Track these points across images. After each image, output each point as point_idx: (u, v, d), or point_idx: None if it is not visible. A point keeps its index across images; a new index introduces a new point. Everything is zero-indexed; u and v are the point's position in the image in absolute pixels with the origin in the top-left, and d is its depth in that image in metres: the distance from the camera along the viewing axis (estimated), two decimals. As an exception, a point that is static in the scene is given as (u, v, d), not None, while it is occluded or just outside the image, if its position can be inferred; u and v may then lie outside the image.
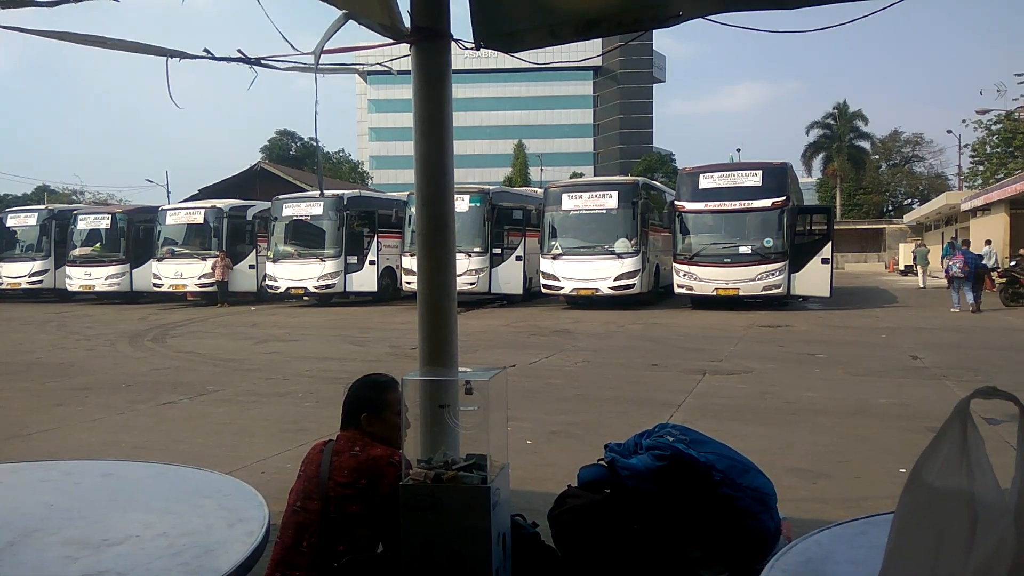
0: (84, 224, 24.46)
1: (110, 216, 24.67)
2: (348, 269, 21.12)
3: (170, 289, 22.81)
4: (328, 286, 21.13)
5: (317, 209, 21.52)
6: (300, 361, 10.92)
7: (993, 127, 33.95)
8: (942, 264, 21.41)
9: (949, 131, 50.92)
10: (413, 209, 3.26)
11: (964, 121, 42.57)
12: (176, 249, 23.08)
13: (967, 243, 20.49)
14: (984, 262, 19.01)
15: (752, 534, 2.92)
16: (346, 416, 2.74)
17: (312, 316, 18.68)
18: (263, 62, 3.06)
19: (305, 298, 22.00)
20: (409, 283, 19.74)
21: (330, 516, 2.54)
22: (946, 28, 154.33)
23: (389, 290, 21.99)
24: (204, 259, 22.48)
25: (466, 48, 3.19)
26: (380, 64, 3.55)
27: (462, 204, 19.43)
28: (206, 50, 3.04)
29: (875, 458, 5.49)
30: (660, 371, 9.66)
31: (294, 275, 21.23)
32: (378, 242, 21.31)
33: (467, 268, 19.44)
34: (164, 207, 24.54)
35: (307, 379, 9.32)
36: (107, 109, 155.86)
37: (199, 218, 23.22)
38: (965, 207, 30.09)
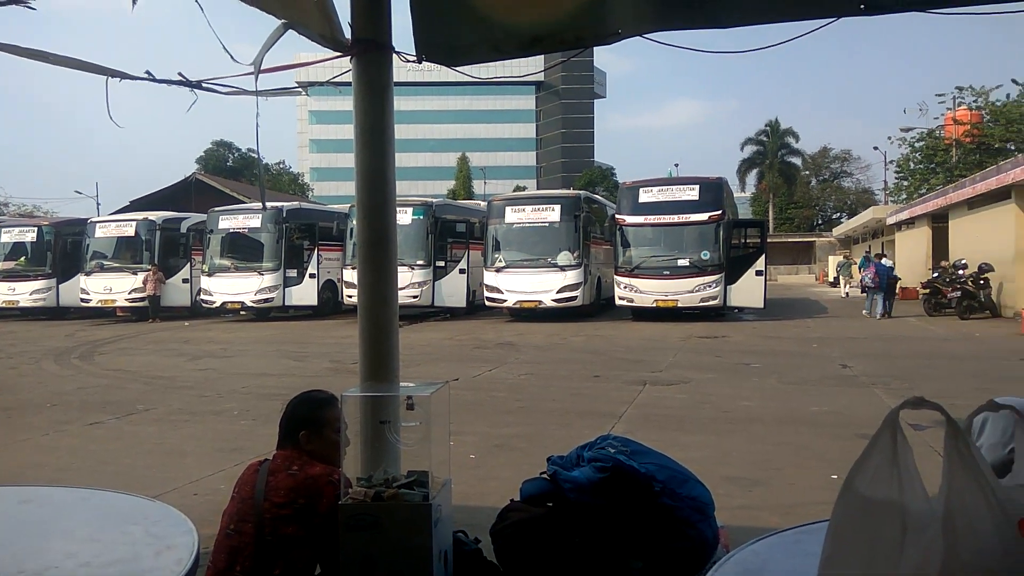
0: (8, 237, 23.40)
1: (36, 229, 23.62)
2: (287, 283, 20.73)
3: (99, 304, 21.96)
4: (266, 300, 20.67)
5: (255, 221, 21.07)
6: (236, 378, 10.62)
7: (916, 144, 35.55)
8: (860, 275, 23.35)
9: (875, 148, 53.83)
10: (355, 221, 3.23)
11: (889, 138, 44.72)
12: (106, 263, 22.26)
13: (880, 256, 22.21)
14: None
15: (691, 544, 2.95)
16: (283, 434, 2.65)
17: (249, 331, 18.23)
18: (204, 85, 2.99)
19: (242, 313, 21.48)
20: (350, 296, 19.48)
21: (265, 539, 2.46)
22: (872, 49, 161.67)
23: (330, 304, 21.67)
24: (135, 273, 21.73)
25: (408, 61, 3.17)
26: (325, 83, 3.51)
27: (405, 216, 19.31)
28: (147, 72, 2.97)
29: (808, 465, 5.64)
30: (602, 382, 9.73)
31: (230, 289, 20.70)
32: (318, 255, 20.98)
33: (410, 281, 19.28)
34: (93, 219, 23.68)
35: (243, 396, 9.07)
36: (30, 115, 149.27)
37: (130, 231, 22.46)
38: (890, 221, 31.40)
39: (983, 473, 1.14)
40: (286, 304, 20.96)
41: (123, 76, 2.92)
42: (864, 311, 20.40)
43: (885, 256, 22.69)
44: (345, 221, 21.15)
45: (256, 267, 20.71)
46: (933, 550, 1.12)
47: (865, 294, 20.61)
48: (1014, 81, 32.05)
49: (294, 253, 21.01)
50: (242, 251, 21.20)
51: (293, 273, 20.80)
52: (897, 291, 22.42)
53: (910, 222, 28.84)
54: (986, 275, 18.33)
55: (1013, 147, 30.20)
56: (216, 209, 22.10)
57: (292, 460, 2.58)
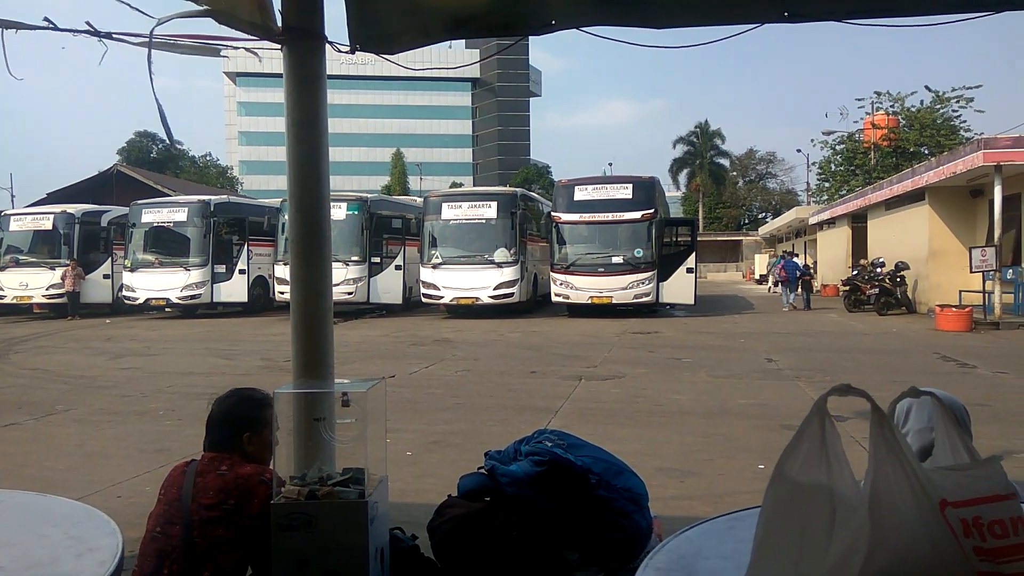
0: (-91, 229, 21.95)
1: (-59, 220, 22.26)
2: (216, 279, 20.14)
3: (14, 301, 20.88)
4: (193, 296, 20.03)
5: (180, 215, 20.40)
6: (161, 377, 10.25)
7: (837, 147, 36.97)
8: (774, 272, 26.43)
9: (799, 150, 55.92)
10: (287, 216, 3.15)
11: (812, 141, 46.16)
12: (21, 258, 21.16)
13: (792, 254, 24.57)
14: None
15: (626, 534, 3.00)
16: (221, 436, 2.55)
17: (175, 329, 17.62)
18: (114, 36, 2.80)
19: (167, 309, 20.76)
20: (282, 293, 19.07)
21: (194, 541, 2.37)
22: (796, 55, 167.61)
23: (260, 300, 21.19)
24: (53, 268, 20.73)
25: (341, 51, 3.11)
26: (247, 50, 3.37)
27: (339, 212, 19.02)
28: (47, 19, 2.73)
29: (737, 456, 5.81)
30: (539, 378, 9.79)
31: (155, 285, 19.98)
32: (249, 250, 20.45)
33: (344, 277, 19.02)
34: (7, 212, 22.58)
35: (168, 396, 8.76)
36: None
37: (47, 224, 21.40)
38: (813, 221, 32.60)
39: (906, 457, 1.19)
40: (214, 301, 20.38)
41: (19, 26, 2.69)
42: (783, 307, 21.93)
43: (796, 255, 24.82)
44: (276, 215, 20.69)
45: (182, 262, 20.05)
46: (861, 531, 1.16)
47: (778, 288, 23.08)
48: (927, 88, 33.85)
49: (223, 248, 20.44)
50: (167, 246, 20.49)
51: (222, 269, 20.24)
52: (819, 287, 24.79)
53: (831, 222, 30.01)
54: (902, 273, 19.21)
55: (927, 151, 31.77)
56: (139, 202, 21.31)
57: (221, 460, 2.50)
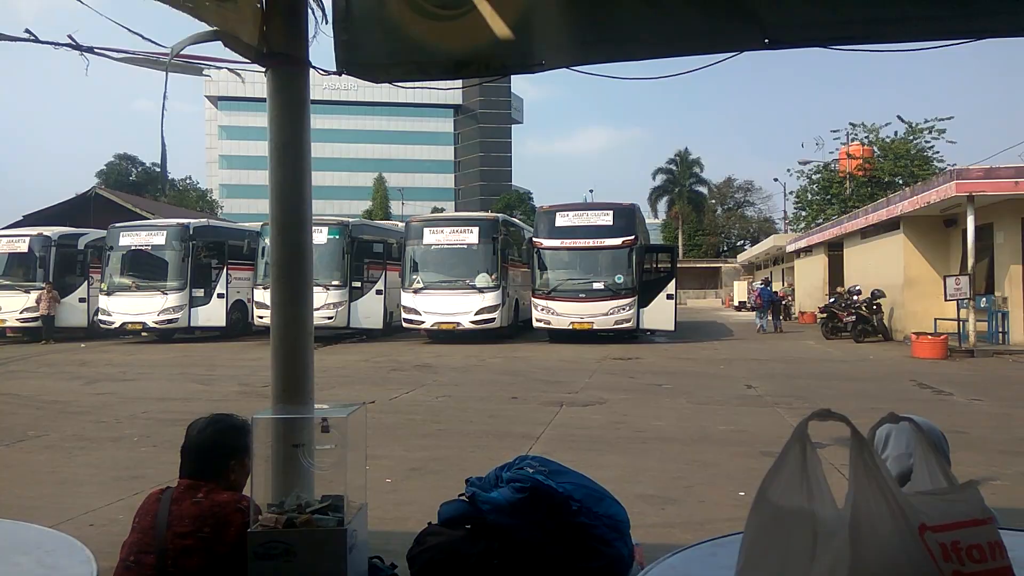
0: None
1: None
2: (193, 303, 19.93)
3: (-14, 325, 20.50)
4: (170, 321, 19.80)
5: (159, 238, 20.24)
6: (136, 402, 10.08)
7: (813, 176, 37.54)
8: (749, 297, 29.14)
9: (776, 179, 56.60)
10: (267, 239, 3.13)
11: (788, 170, 47.01)
12: (-6, 280, 20.82)
13: (766, 281, 26.40)
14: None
15: (607, 561, 2.98)
16: (204, 464, 2.49)
17: (151, 353, 17.39)
18: (96, 51, 2.78)
19: (144, 334, 20.49)
20: (261, 318, 18.91)
21: (167, 570, 2.32)
22: (772, 85, 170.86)
23: (239, 325, 21.00)
24: (27, 291, 20.41)
25: (327, 74, 3.12)
26: (231, 71, 3.37)
27: (320, 235, 18.98)
28: (28, 31, 2.70)
29: (717, 483, 5.81)
30: (520, 404, 9.76)
31: (131, 309, 19.73)
32: (228, 274, 20.29)
33: (325, 302, 18.92)
34: (-19, 234, 22.14)
35: (143, 422, 8.61)
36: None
37: (23, 246, 21.11)
38: (790, 248, 33.01)
39: (886, 481, 1.20)
40: (192, 325, 20.14)
41: (1, 37, 2.66)
42: (757, 329, 23.66)
43: (769, 282, 26.59)
44: (256, 239, 20.60)
45: (159, 286, 19.85)
46: (841, 556, 1.17)
47: (754, 312, 25.46)
48: (900, 119, 34.52)
49: (201, 272, 20.27)
50: (144, 269, 20.28)
51: (200, 293, 20.04)
52: (797, 314, 26.37)
53: (808, 250, 30.41)
54: (878, 300, 19.46)
55: (901, 181, 32.37)
56: (117, 225, 21.10)
57: (197, 488, 2.45)
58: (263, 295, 18.55)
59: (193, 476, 2.49)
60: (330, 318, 19.24)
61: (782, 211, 52.71)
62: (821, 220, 34.15)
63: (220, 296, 20.11)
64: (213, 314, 20.07)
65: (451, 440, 7.50)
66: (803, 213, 39.41)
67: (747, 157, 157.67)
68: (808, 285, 30.82)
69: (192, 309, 19.93)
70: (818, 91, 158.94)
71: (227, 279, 20.23)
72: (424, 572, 2.96)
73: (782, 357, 15.99)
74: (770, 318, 24.01)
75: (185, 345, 19.34)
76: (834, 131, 37.30)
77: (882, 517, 1.17)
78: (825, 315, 20.85)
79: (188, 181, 65.49)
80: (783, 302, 30.78)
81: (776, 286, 32.13)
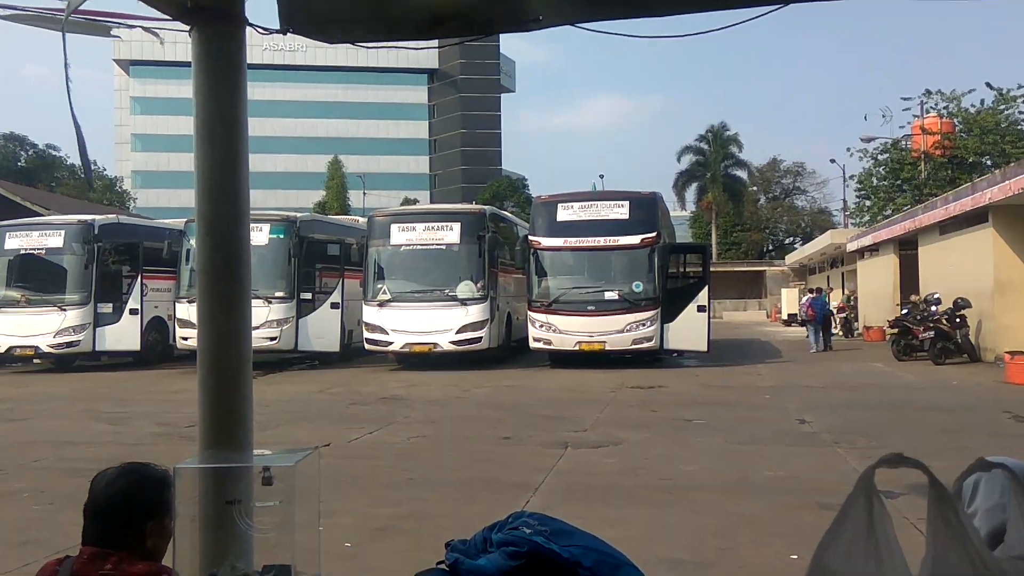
0: None
1: None
2: (100, 321, 19.86)
3: None
4: (70, 344, 19.72)
5: (55, 239, 20.18)
6: (27, 447, 10.04)
7: (879, 157, 37.76)
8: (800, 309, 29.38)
9: (833, 160, 56.90)
10: (193, 241, 3.14)
11: (848, 150, 47.22)
12: None
13: (819, 290, 27.13)
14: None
15: (627, 646, 2.97)
16: (111, 527, 2.47)
17: (47, 384, 17.31)
18: None
19: (37, 361, 20.42)
20: (186, 339, 18.85)
21: (68, 663, 2.30)
22: (826, 43, 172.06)
23: (158, 348, 20.97)
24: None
25: (267, 32, 3.12)
26: (143, 28, 3.37)
27: (260, 235, 18.96)
28: None
29: (763, 542, 5.82)
30: (514, 445, 9.77)
31: (20, 330, 19.62)
32: (143, 284, 20.22)
33: (266, 319, 18.88)
34: None
35: (36, 472, 8.58)
36: None
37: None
38: (851, 247, 33.12)
39: (973, 544, 1.20)
40: (98, 349, 20.07)
41: None
42: (811, 349, 24.47)
43: (823, 290, 27.42)
44: (180, 240, 20.53)
45: (56, 300, 19.77)
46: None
47: (804, 328, 26.33)
48: (989, 85, 34.68)
49: (110, 282, 20.21)
50: (37, 279, 20.19)
51: (108, 308, 19.97)
52: (861, 328, 27.10)
53: (874, 249, 30.56)
54: (963, 312, 19.48)
55: (989, 161, 32.56)
56: (3, 224, 21.01)
57: (105, 557, 2.43)
58: (188, 310, 18.49)
59: (100, 542, 2.47)
60: (273, 339, 19.20)
61: (841, 200, 52.98)
62: (890, 211, 34.33)
63: (133, 312, 20.03)
64: (124, 335, 19.99)
65: (427, 492, 7.49)
66: (867, 203, 39.64)
67: (796, 133, 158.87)
68: (874, 293, 30.96)
69: (98, 329, 19.83)
70: (884, 50, 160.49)
71: (142, 291, 20.15)
72: (393, 661, 2.95)
73: (843, 383, 16.04)
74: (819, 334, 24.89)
75: (90, 374, 19.26)
76: (905, 100, 37.61)
77: (968, 587, 1.17)
78: (896, 330, 20.93)
79: (93, 167, 65.39)
80: (843, 314, 31.29)
81: (835, 295, 32.30)
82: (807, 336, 25.46)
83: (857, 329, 31.45)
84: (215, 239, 2.96)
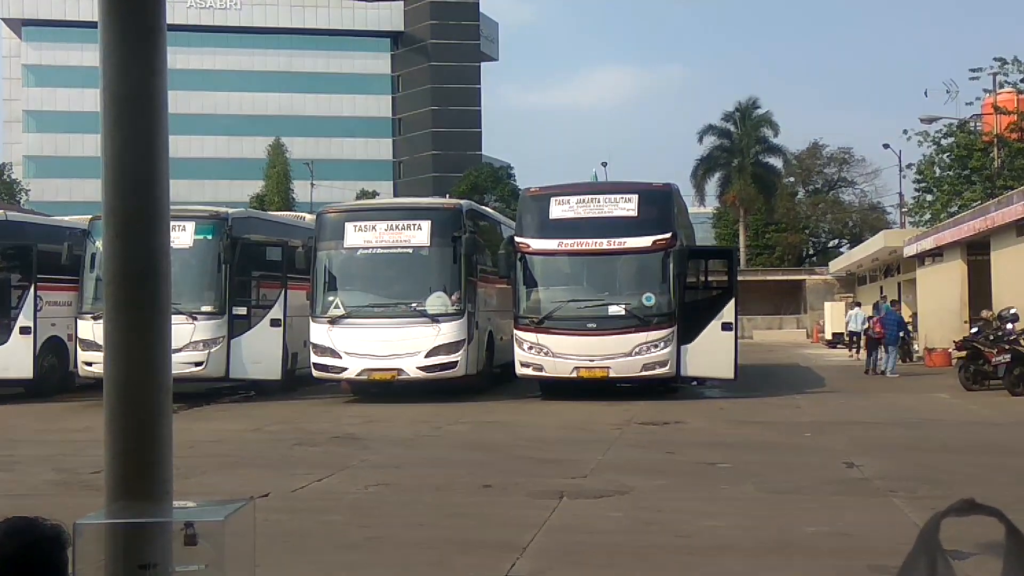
0: None
1: None
2: (-19, 342, 19.73)
3: None
4: (-56, 371, 19.58)
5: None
6: None
7: (943, 142, 37.81)
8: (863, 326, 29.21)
9: (886, 146, 56.72)
10: (100, 243, 3.13)
11: (905, 132, 46.95)
12: None
13: (894, 302, 27.51)
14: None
15: None
16: None
17: (-82, 421, 17.15)
18: None
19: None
20: (90, 364, 18.74)
21: None
22: (876, 1, 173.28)
23: (55, 376, 20.87)
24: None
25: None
26: None
27: (183, 236, 18.87)
28: None
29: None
30: (496, 495, 9.75)
31: None
32: (36, 297, 20.09)
33: (191, 339, 18.77)
34: None
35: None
36: None
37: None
38: (909, 252, 33.20)
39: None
40: (-21, 377, 19.93)
41: None
42: (875, 369, 25.48)
43: (896, 300, 27.21)
44: (82, 242, 20.42)
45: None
46: None
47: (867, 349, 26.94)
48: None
49: (-5, 294, 20.09)
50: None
51: (-9, 327, 19.86)
52: (921, 351, 27.71)
53: (937, 253, 30.66)
54: (1046, 331, 19.60)
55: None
56: None
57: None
58: (92, 329, 18.38)
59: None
60: (199, 364, 19.09)
61: (896, 195, 53.22)
62: (956, 208, 34.46)
63: (25, 331, 19.88)
64: (13, 360, 19.84)
65: (389, 555, 7.48)
66: (928, 198, 39.74)
67: (842, 111, 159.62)
68: (938, 307, 31.06)
69: (-21, 352, 19.72)
70: (949, 8, 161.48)
71: (36, 305, 20.02)
72: None
73: (899, 419, 16.10)
74: (872, 352, 25.78)
75: (-30, 408, 19.12)
76: (973, 72, 37.74)
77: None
78: (965, 353, 20.99)
79: (-26, 151, 65.11)
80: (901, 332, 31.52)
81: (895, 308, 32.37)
82: (870, 357, 25.92)
83: (917, 351, 31.54)
84: (127, 241, 2.95)
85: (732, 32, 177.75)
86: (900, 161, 45.57)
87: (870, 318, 27.47)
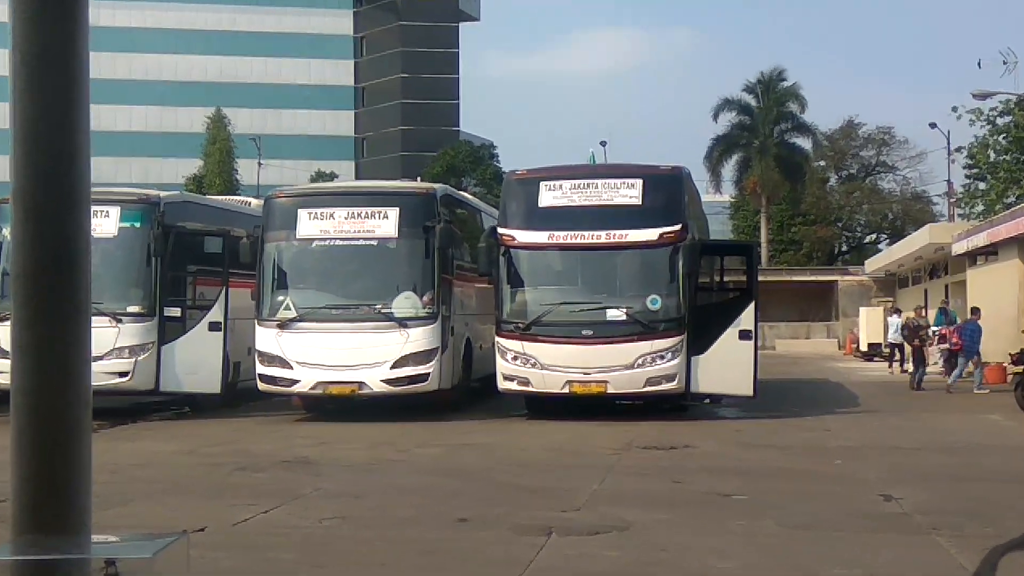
0: None
1: None
2: None
3: None
4: None
5: None
6: None
7: (998, 121, 37.89)
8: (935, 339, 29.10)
9: (933, 125, 56.65)
10: (7, 231, 3.11)
11: (955, 109, 47.17)
12: None
13: (975, 310, 26.44)
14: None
15: None
16: None
17: None
18: None
19: None
20: (-4, 374, 18.67)
21: None
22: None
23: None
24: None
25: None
26: None
27: (107, 223, 18.83)
28: None
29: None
30: (474, 531, 9.76)
31: None
32: (-66, 294, 20.05)
33: (114, 345, 18.73)
34: None
35: None
36: None
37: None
38: (959, 249, 33.20)
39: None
40: None
41: None
42: (954, 383, 25.61)
43: (978, 310, 26.63)
44: (-11, 230, 20.38)
45: None
46: None
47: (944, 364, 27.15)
48: None
49: None
50: None
51: None
52: (970, 364, 28.25)
53: (991, 251, 30.73)
54: (1113, 343, 19.73)
55: None
56: None
57: None
58: None
59: None
60: (124, 375, 19.03)
61: (944, 182, 53.44)
62: (1013, 198, 34.55)
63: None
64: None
65: (347, 599, 7.47)
66: (981, 186, 39.84)
67: (881, 84, 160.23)
68: (991, 314, 31.10)
69: None
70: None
71: (-67, 303, 19.99)
72: None
73: (943, 444, 16.17)
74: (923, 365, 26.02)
75: None
76: (1033, 40, 37.91)
77: None
78: (1021, 369, 21.09)
79: None
80: (944, 344, 31.58)
81: (932, 316, 32.45)
82: (917, 370, 26.92)
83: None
84: (39, 228, 2.94)
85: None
86: (948, 143, 45.81)
87: (925, 326, 28.46)
